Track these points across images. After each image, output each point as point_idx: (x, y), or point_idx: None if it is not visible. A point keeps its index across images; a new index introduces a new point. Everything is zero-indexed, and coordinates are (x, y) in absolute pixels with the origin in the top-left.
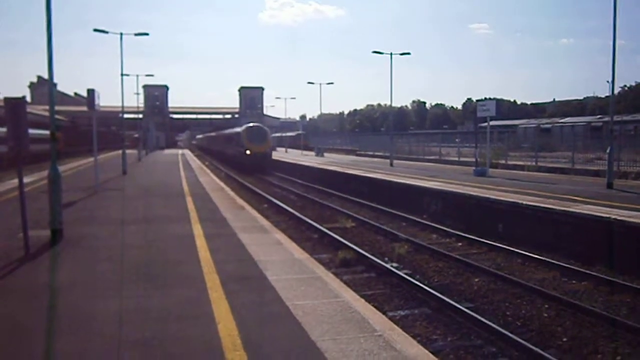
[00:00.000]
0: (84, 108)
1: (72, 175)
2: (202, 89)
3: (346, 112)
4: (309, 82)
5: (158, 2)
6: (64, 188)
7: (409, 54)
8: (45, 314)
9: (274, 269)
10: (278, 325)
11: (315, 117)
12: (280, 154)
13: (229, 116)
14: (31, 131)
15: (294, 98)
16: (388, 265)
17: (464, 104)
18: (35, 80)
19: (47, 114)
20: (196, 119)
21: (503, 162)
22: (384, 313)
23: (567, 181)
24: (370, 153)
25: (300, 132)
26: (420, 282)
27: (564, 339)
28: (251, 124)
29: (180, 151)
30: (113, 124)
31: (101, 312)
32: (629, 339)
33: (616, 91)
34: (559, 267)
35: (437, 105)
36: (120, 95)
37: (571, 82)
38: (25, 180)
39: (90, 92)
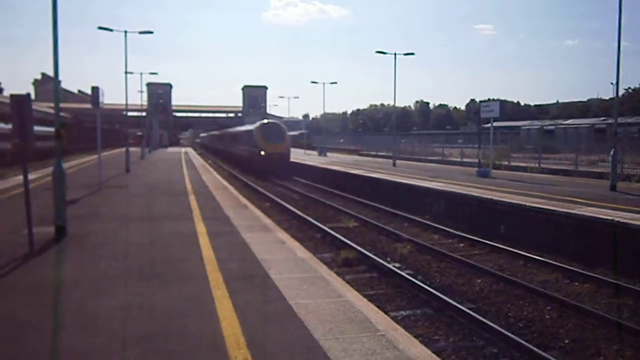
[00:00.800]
0: (88, 105)
1: (76, 172)
2: (206, 87)
3: (349, 111)
4: (313, 82)
5: (162, 1)
6: (68, 185)
7: (412, 54)
8: (49, 310)
9: (277, 267)
10: (281, 324)
11: (318, 116)
12: None
13: (232, 115)
14: (36, 128)
15: (297, 97)
16: (390, 266)
17: (467, 105)
18: (39, 77)
19: (51, 111)
20: (199, 117)
21: (506, 163)
22: (386, 313)
23: (570, 183)
24: (373, 153)
25: (303, 131)
26: (423, 283)
27: (566, 341)
28: (266, 121)
29: (183, 149)
30: (117, 122)
31: (105, 308)
32: (631, 341)
33: (620, 93)
34: (561, 269)
35: (440, 105)
36: (124, 93)
37: (575, 84)
38: (30, 177)
39: (95, 89)
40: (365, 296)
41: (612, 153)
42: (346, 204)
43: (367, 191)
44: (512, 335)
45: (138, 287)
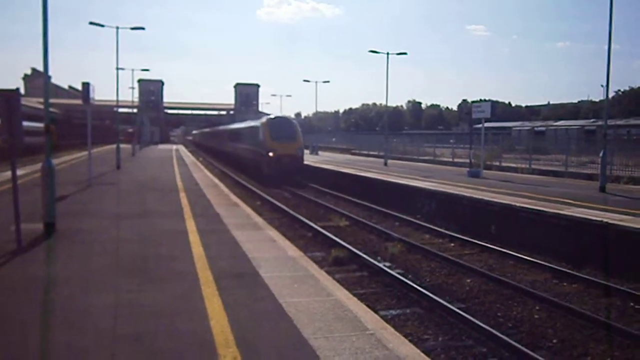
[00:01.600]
0: (79, 101)
1: (66, 168)
2: (198, 84)
3: (342, 110)
4: (305, 80)
5: None
6: (58, 181)
7: (405, 54)
8: (38, 308)
9: (267, 266)
10: (271, 323)
11: (311, 115)
12: None
13: (224, 112)
14: (25, 124)
15: (289, 96)
16: (381, 265)
17: (459, 105)
18: (29, 72)
19: (41, 106)
20: (191, 114)
21: (497, 163)
22: (376, 312)
23: (560, 184)
24: (365, 152)
25: None
26: (413, 282)
27: (555, 341)
28: (273, 116)
29: (174, 146)
30: (107, 118)
31: (94, 306)
32: (619, 341)
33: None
34: (550, 269)
35: (432, 105)
36: (115, 89)
37: (566, 86)
38: (19, 173)
39: (85, 85)
40: (355, 295)
41: (601, 155)
42: (337, 203)
43: (359, 190)
44: (501, 335)
45: (127, 285)
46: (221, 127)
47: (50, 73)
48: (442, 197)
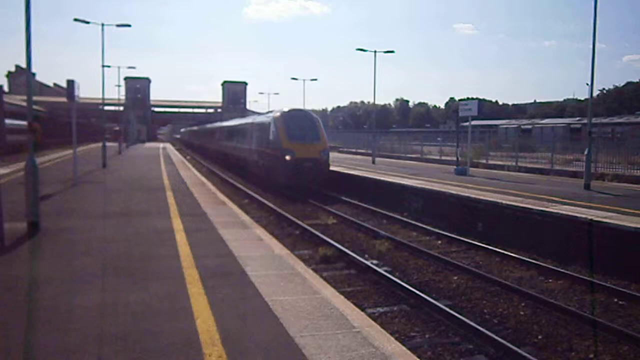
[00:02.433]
0: (64, 99)
1: (51, 167)
2: (185, 82)
3: (329, 108)
4: (293, 78)
5: None
6: (42, 180)
7: (392, 52)
8: (21, 308)
9: (254, 264)
10: (257, 321)
11: None
12: None
13: (211, 110)
14: (8, 121)
15: (277, 93)
16: (368, 262)
17: (446, 103)
18: (13, 69)
19: (24, 104)
20: (178, 112)
21: (484, 161)
22: (363, 310)
23: (546, 181)
24: (353, 150)
25: None
26: (400, 280)
27: (540, 337)
28: (287, 109)
29: (161, 145)
30: (93, 116)
31: (79, 306)
32: (603, 336)
33: (595, 94)
34: (536, 266)
35: (419, 104)
36: (101, 87)
37: (552, 84)
38: (2, 171)
39: (70, 82)
40: (342, 293)
41: (586, 152)
42: (325, 201)
43: (346, 188)
44: (487, 332)
45: (113, 284)
46: (217, 124)
47: (34, 70)
48: (430, 195)
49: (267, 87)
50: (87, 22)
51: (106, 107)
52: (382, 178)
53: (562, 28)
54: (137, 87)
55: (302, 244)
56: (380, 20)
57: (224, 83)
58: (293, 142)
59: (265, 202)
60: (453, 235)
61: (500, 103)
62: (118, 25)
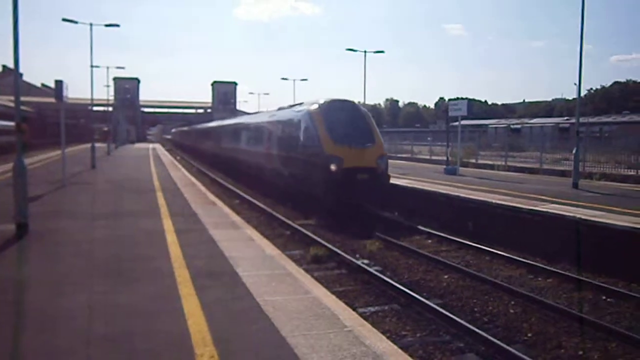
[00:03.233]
0: (52, 99)
1: (39, 168)
2: (174, 82)
3: None
4: (283, 78)
5: None
6: (30, 181)
7: (382, 52)
8: (10, 310)
9: (245, 265)
10: (248, 321)
11: None
12: None
13: (201, 111)
14: None
15: (267, 94)
16: (359, 262)
17: (436, 103)
18: (0, 69)
19: (12, 104)
20: (168, 112)
21: (474, 161)
22: (355, 309)
23: (535, 181)
24: None
25: None
26: (391, 279)
27: (529, 335)
28: (326, 100)
29: (151, 145)
30: (82, 117)
31: (68, 308)
32: (591, 334)
33: (583, 94)
34: (525, 265)
35: (409, 103)
36: (89, 87)
37: (541, 84)
38: None
39: (58, 83)
40: (333, 293)
41: (574, 152)
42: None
43: None
44: (477, 330)
45: (103, 286)
46: (216, 123)
47: (21, 70)
48: (420, 194)
49: (257, 87)
50: (76, 22)
51: (95, 108)
52: None
53: (550, 28)
54: (126, 87)
55: (292, 244)
56: (371, 21)
57: (214, 83)
58: (338, 146)
59: (257, 202)
60: (443, 235)
61: (490, 103)
62: (107, 25)
